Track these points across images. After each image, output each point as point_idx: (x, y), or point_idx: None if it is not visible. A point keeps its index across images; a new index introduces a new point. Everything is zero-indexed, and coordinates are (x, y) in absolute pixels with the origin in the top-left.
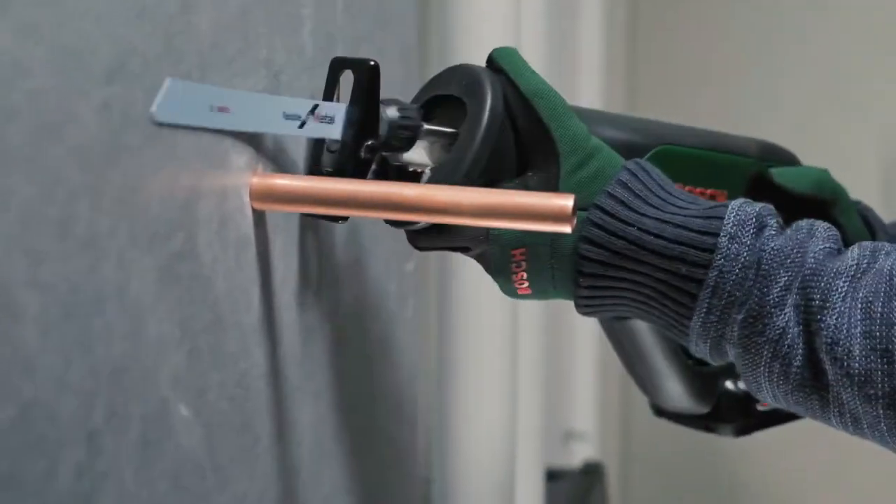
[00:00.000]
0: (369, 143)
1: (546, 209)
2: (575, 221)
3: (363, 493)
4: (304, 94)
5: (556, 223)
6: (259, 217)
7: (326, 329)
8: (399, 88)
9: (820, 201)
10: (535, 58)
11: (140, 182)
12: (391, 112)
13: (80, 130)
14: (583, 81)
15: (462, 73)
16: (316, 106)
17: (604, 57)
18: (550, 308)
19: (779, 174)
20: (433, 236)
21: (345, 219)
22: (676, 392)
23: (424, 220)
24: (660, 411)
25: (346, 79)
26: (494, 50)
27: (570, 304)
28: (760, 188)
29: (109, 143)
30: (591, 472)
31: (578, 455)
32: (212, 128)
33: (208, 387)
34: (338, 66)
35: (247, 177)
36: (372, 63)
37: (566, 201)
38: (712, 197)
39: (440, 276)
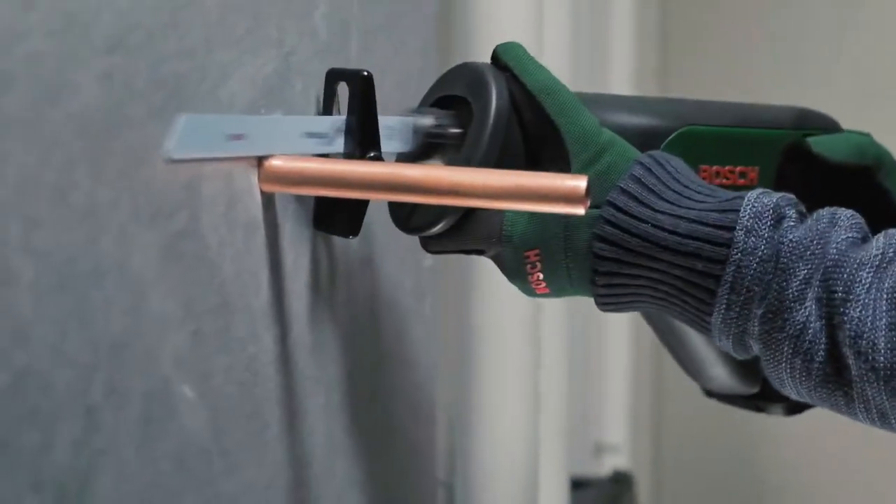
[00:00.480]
0: (371, 154)
1: (558, 190)
2: (588, 203)
3: (377, 490)
4: (315, 78)
5: (568, 204)
6: (268, 200)
7: (339, 322)
8: (416, 81)
9: (863, 168)
10: (559, 50)
11: (143, 156)
12: (427, 121)
13: (80, 98)
14: (613, 78)
15: (466, 71)
16: (344, 123)
17: (634, 49)
18: (579, 316)
19: (816, 142)
20: (445, 239)
21: (355, 234)
22: (720, 375)
23: (433, 202)
24: (709, 393)
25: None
26: (499, 46)
27: (601, 314)
28: (797, 159)
29: (111, 113)
30: (620, 482)
31: (609, 467)
32: (229, 156)
33: (214, 369)
34: (333, 77)
35: (255, 158)
36: (365, 74)
37: (579, 182)
38: (742, 174)
39: (461, 273)
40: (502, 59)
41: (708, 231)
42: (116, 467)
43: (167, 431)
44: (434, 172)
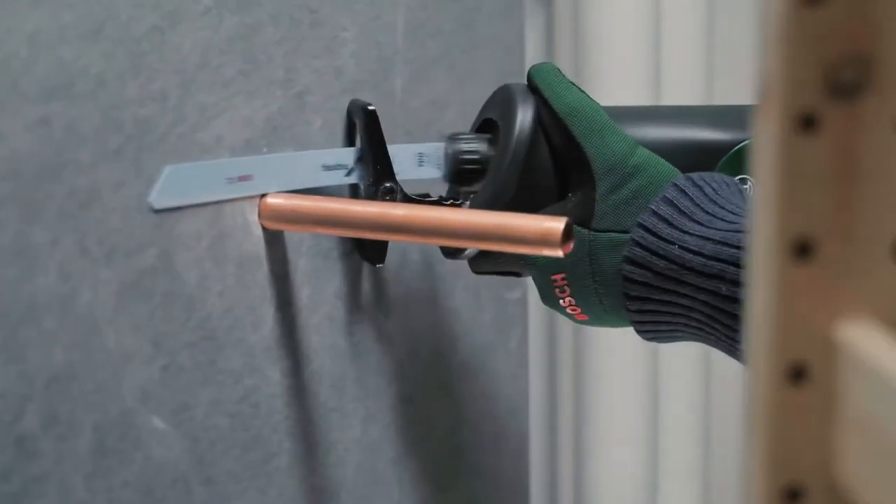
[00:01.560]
0: (387, 185)
1: (535, 232)
2: (571, 246)
3: None
4: (337, 116)
5: (546, 247)
6: (273, 237)
7: (388, 355)
8: None
9: None
10: (687, 64)
11: (92, 198)
12: (458, 146)
13: (8, 145)
14: None
15: (501, 94)
16: (362, 153)
17: None
18: None
19: None
20: (480, 261)
21: (381, 262)
22: None
23: (418, 241)
24: None
25: None
26: (532, 67)
27: None
28: None
29: (49, 158)
30: None
31: None
32: (231, 198)
33: (195, 402)
34: (351, 108)
35: (255, 196)
36: (369, 108)
37: (557, 224)
38: None
39: None
40: (533, 81)
41: (732, 252)
42: (59, 494)
43: (129, 461)
44: (417, 213)
